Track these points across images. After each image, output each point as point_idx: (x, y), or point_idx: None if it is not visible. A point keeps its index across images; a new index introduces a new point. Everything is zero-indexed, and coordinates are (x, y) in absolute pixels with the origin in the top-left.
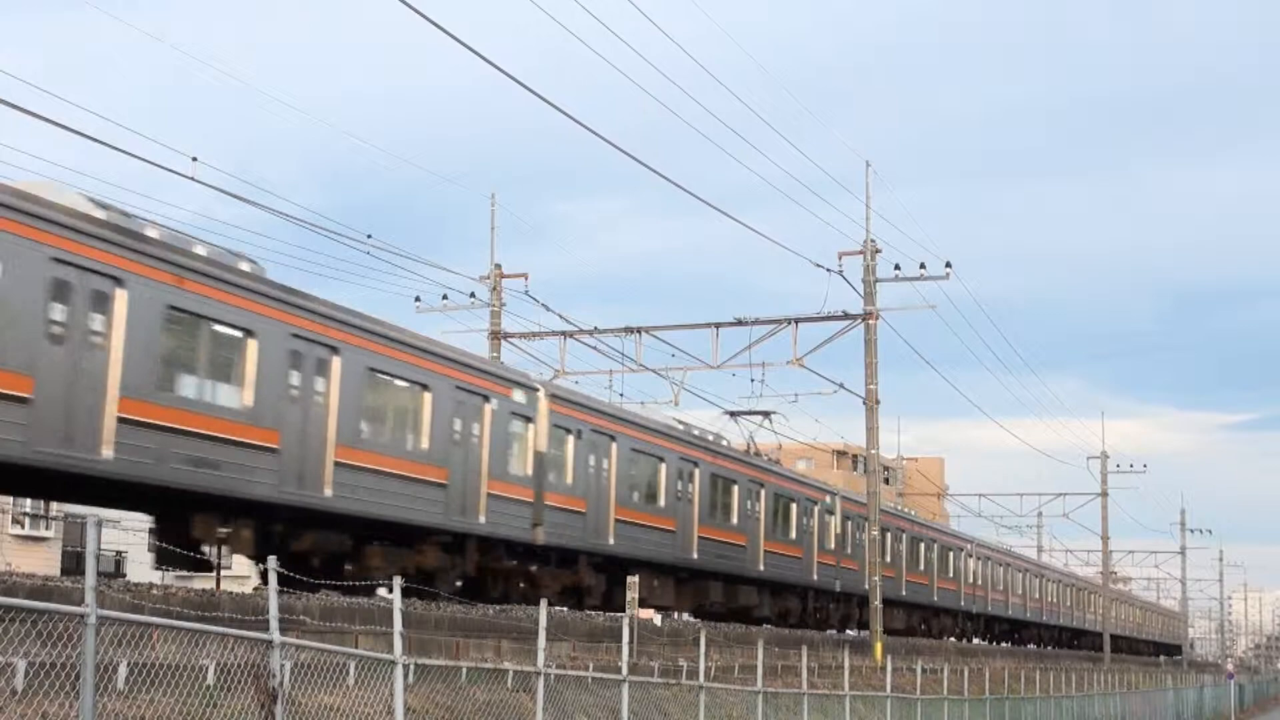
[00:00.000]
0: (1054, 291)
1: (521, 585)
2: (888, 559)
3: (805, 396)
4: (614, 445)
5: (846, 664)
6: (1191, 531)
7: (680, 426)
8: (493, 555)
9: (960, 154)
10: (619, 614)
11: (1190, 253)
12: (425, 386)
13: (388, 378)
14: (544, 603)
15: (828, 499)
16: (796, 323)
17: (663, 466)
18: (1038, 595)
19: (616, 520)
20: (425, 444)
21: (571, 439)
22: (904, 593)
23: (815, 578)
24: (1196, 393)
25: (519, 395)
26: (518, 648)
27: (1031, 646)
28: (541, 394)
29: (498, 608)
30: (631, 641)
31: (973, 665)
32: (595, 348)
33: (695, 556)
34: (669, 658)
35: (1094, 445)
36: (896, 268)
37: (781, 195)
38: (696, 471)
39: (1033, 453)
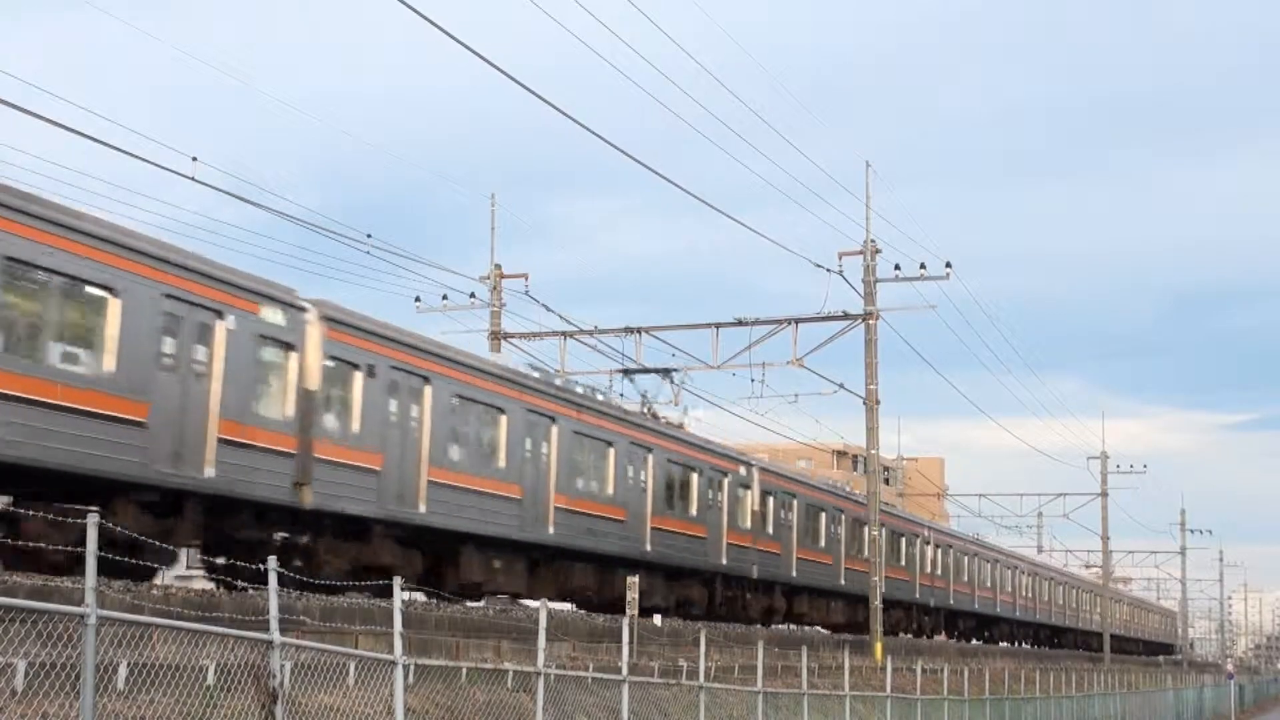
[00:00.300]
0: (1054, 291)
1: (296, 561)
2: (815, 538)
3: (805, 396)
4: (428, 389)
5: (846, 664)
6: (1191, 531)
7: (534, 374)
8: (232, 519)
9: (960, 154)
10: (619, 615)
11: (1190, 253)
12: (110, 290)
13: (41, 274)
14: (544, 603)
15: (741, 470)
16: (796, 323)
17: (503, 419)
18: (1010, 589)
19: (431, 483)
20: (111, 367)
21: (360, 377)
22: (842, 582)
23: (724, 561)
24: (1196, 393)
25: (272, 314)
26: (518, 648)
27: (1005, 644)
28: (310, 315)
29: (498, 607)
30: (631, 641)
31: (973, 665)
32: (595, 348)
33: (551, 532)
34: (669, 658)
35: (1094, 445)
36: (896, 268)
37: (781, 195)
38: (554, 429)
39: (1033, 453)
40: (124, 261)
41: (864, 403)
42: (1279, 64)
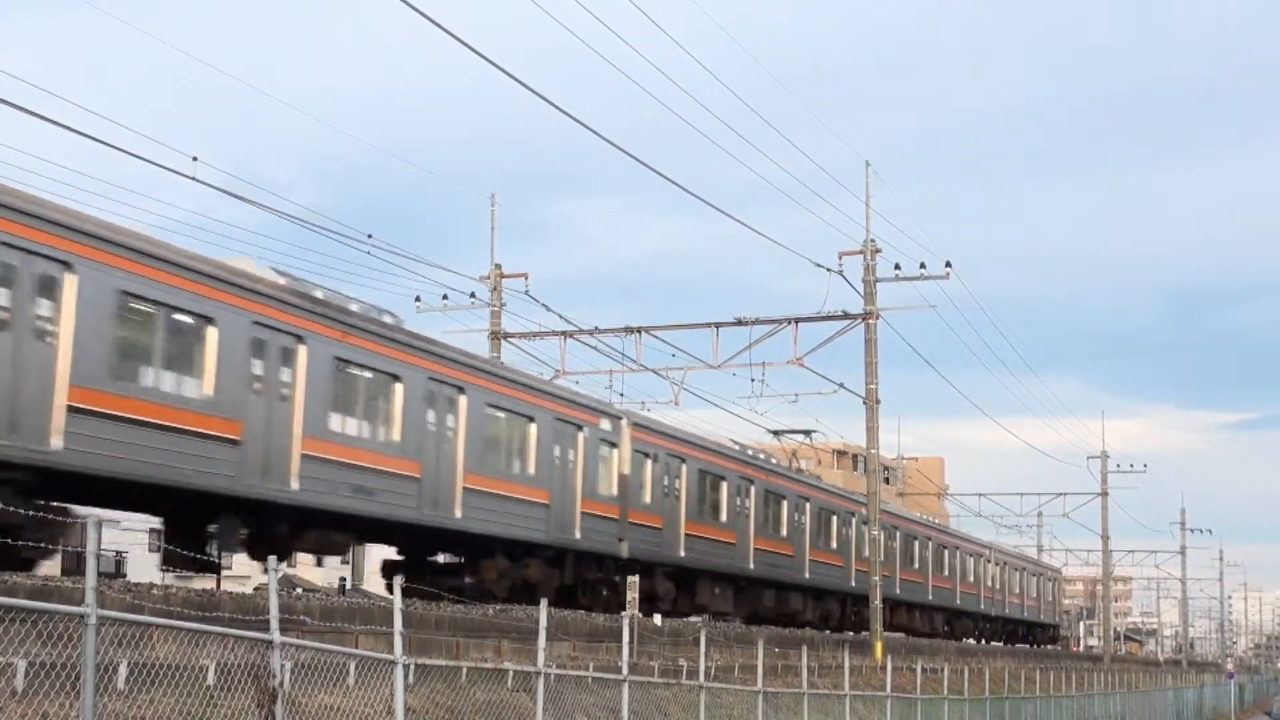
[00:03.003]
0: (1054, 291)
1: None
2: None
3: (805, 396)
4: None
5: (846, 664)
6: (1191, 531)
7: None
8: None
9: (961, 153)
10: (619, 613)
11: (1190, 253)
12: None
13: None
14: (544, 603)
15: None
16: (796, 322)
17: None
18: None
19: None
20: None
21: None
22: (751, 565)
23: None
24: (1196, 392)
25: None
26: (518, 648)
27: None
28: None
29: (498, 607)
30: (632, 641)
31: (973, 665)
32: (595, 348)
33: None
34: (669, 658)
35: (1094, 445)
36: (896, 267)
37: (781, 195)
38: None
39: (1033, 453)
40: None
41: (864, 402)
42: (1279, 64)
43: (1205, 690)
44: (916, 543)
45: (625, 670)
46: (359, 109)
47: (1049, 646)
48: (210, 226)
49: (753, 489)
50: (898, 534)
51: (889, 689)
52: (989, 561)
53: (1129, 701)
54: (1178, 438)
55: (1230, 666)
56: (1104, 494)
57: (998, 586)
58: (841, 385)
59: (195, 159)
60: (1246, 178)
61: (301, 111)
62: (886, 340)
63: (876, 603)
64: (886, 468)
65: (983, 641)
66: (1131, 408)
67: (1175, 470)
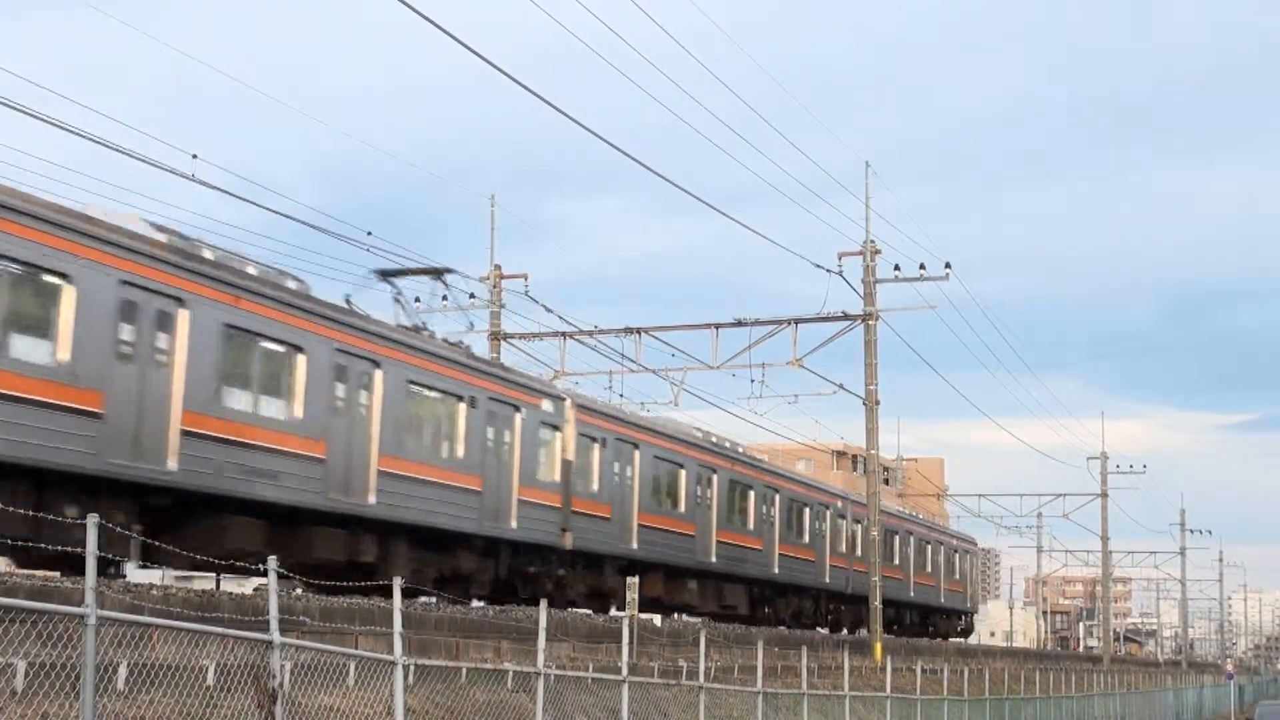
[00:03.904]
0: (1054, 291)
1: None
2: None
3: (805, 397)
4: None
5: (846, 664)
6: (1191, 532)
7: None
8: None
9: (960, 154)
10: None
11: (1190, 253)
12: None
13: None
14: (544, 603)
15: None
16: (796, 323)
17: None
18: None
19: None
20: None
21: None
22: (635, 545)
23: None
24: (1196, 393)
25: None
26: (518, 648)
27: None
28: None
29: (498, 608)
30: (631, 642)
31: (973, 665)
32: (595, 348)
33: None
34: (669, 658)
35: (1094, 445)
36: (896, 268)
37: (781, 195)
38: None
39: (1033, 453)
40: None
41: (864, 403)
42: (1279, 64)
43: (1205, 691)
44: (682, 473)
45: (625, 671)
46: (359, 109)
47: (957, 640)
48: (212, 227)
49: (638, 454)
50: (637, 454)
51: (889, 689)
52: (843, 518)
53: (1129, 702)
54: (1177, 438)
55: (1230, 667)
56: (1104, 495)
57: (860, 554)
58: (841, 386)
59: (195, 156)
60: (1246, 178)
61: (302, 111)
62: (886, 341)
63: (876, 603)
64: (886, 469)
65: (841, 631)
66: (1131, 408)
67: (1175, 471)
